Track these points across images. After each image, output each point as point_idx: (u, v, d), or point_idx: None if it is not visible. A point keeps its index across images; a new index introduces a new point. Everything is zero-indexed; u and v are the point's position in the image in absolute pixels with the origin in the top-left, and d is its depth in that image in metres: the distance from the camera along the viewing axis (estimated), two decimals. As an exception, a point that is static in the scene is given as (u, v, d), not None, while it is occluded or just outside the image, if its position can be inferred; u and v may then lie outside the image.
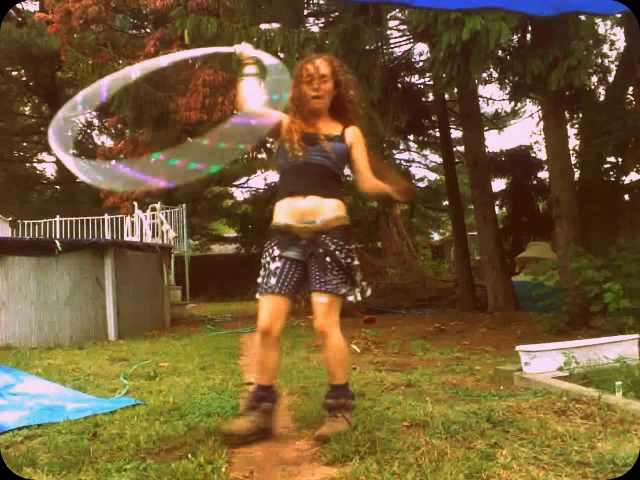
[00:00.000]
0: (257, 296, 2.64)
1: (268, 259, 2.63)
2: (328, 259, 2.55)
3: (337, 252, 2.57)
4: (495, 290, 9.48)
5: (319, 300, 2.55)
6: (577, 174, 8.20)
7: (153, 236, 11.02)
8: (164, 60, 2.84)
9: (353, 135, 2.68)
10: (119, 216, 12.24)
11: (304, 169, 2.57)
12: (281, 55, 7.15)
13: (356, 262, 2.66)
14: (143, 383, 4.11)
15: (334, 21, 9.05)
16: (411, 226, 20.31)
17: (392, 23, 10.71)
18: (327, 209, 2.58)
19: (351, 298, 2.63)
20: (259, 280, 2.66)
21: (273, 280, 2.58)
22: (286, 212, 2.61)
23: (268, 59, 2.72)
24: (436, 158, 17.70)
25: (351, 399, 2.64)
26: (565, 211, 7.19)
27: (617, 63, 9.86)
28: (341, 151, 2.63)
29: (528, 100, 11.64)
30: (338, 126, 2.68)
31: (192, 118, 10.18)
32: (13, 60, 17.68)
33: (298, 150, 2.57)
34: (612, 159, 8.08)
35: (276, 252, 2.61)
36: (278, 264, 2.59)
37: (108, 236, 11.90)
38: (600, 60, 10.22)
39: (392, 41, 10.60)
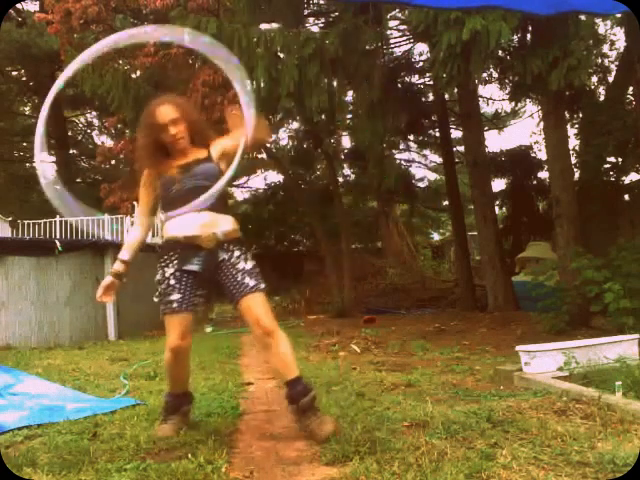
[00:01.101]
0: (162, 315, 2.65)
1: (167, 275, 2.64)
2: (240, 265, 2.63)
3: (244, 258, 2.66)
4: (495, 290, 9.48)
5: (254, 301, 2.58)
6: (577, 174, 8.20)
7: (153, 236, 11.02)
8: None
9: (215, 147, 2.77)
10: (119, 216, 12.22)
11: (190, 194, 2.57)
12: (281, 55, 7.16)
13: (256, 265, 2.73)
14: (143, 383, 4.11)
15: (334, 21, 9.05)
16: (411, 226, 20.31)
17: (392, 23, 10.71)
18: (223, 222, 2.67)
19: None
20: (157, 299, 2.68)
21: (175, 297, 2.60)
22: (183, 224, 2.63)
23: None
24: (436, 158, 17.69)
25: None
26: (565, 211, 7.19)
27: (617, 63, 9.86)
28: (212, 170, 2.70)
29: (528, 100, 11.62)
30: (204, 150, 2.77)
31: (192, 118, 10.18)
32: (13, 60, 17.66)
33: (178, 181, 2.66)
34: (612, 159, 8.09)
35: (174, 267, 2.63)
36: (177, 279, 2.62)
37: (108, 236, 11.90)
38: (600, 60, 10.22)
39: (392, 41, 10.60)
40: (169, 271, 2.63)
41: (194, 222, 2.61)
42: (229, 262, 2.63)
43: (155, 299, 2.71)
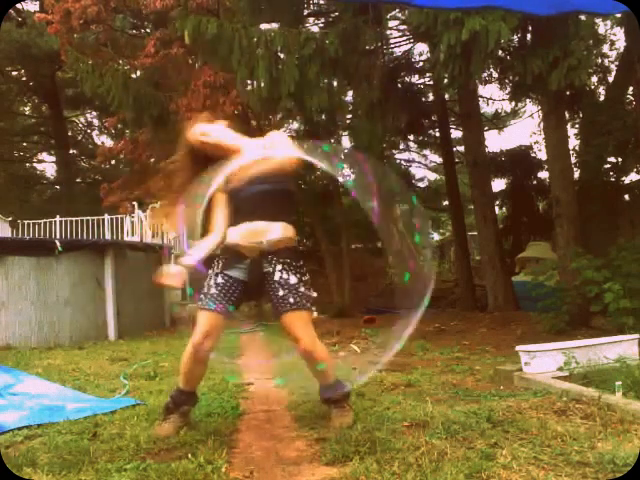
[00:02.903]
0: (197, 308, 2.66)
1: (212, 275, 2.69)
2: (283, 279, 2.61)
3: (290, 271, 2.64)
4: (495, 290, 9.47)
5: (293, 320, 2.59)
6: (577, 174, 8.20)
7: (153, 236, 11.02)
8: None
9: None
10: (119, 216, 12.23)
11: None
12: (281, 55, 7.16)
13: (306, 277, 2.71)
14: (143, 383, 4.11)
15: (334, 21, 9.05)
16: (411, 226, 20.27)
17: (392, 23, 10.71)
18: (273, 230, 2.65)
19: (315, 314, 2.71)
20: (201, 295, 2.69)
21: (212, 295, 2.62)
22: (236, 232, 2.67)
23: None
24: (436, 158, 17.68)
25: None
26: (565, 211, 7.18)
27: (617, 63, 9.86)
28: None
29: (528, 100, 11.62)
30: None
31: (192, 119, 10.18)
32: (13, 60, 17.68)
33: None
34: (612, 159, 8.09)
35: (219, 269, 2.68)
36: (220, 281, 2.64)
37: (108, 236, 11.90)
38: (600, 60, 10.21)
39: (392, 41, 10.60)
40: (215, 272, 2.68)
41: (243, 230, 2.63)
42: (273, 274, 2.61)
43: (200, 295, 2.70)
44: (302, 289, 2.63)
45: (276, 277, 2.61)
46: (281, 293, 2.59)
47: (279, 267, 2.62)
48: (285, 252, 2.66)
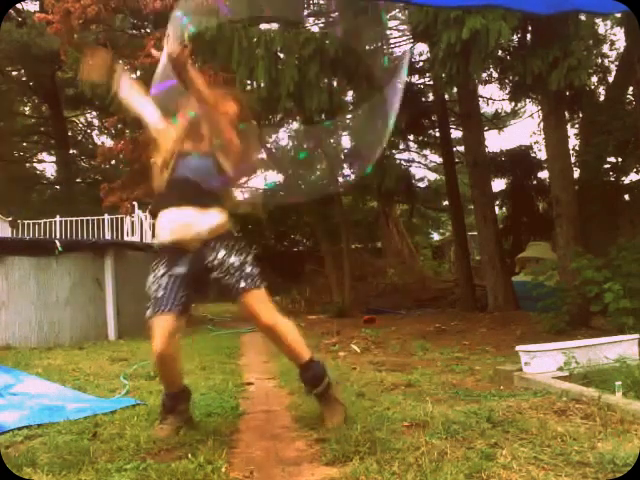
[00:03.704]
0: (148, 316, 2.60)
1: (154, 278, 2.63)
2: (229, 262, 2.58)
3: (234, 253, 2.62)
4: (495, 290, 9.48)
5: (250, 300, 2.57)
6: (577, 174, 8.21)
7: (153, 236, 11.00)
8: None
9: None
10: (119, 216, 12.23)
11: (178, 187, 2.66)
12: (281, 55, 7.16)
13: (250, 256, 2.69)
14: (143, 383, 4.10)
15: (334, 21, 9.05)
16: (411, 226, 20.30)
17: (392, 23, 10.70)
18: (208, 218, 2.62)
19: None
20: (150, 302, 2.64)
21: (159, 298, 2.57)
22: (168, 226, 2.65)
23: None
24: (436, 158, 17.68)
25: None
26: (565, 211, 7.19)
27: (617, 63, 9.86)
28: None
29: (528, 100, 11.63)
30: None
31: (192, 118, 10.17)
32: (13, 60, 17.67)
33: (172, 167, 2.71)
34: (612, 159, 8.09)
35: (162, 271, 2.62)
36: (164, 282, 2.60)
37: (108, 236, 11.90)
38: (600, 60, 10.21)
39: (392, 41, 10.60)
40: (158, 273, 2.62)
41: (175, 226, 2.58)
42: (217, 261, 2.58)
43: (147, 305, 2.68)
44: (249, 269, 2.61)
45: (221, 262, 2.58)
46: (231, 279, 2.57)
47: (222, 252, 2.59)
48: (224, 236, 2.64)
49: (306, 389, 2.75)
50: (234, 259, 2.60)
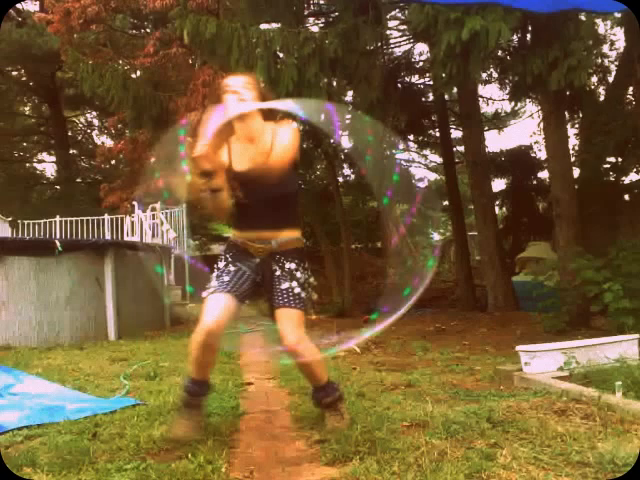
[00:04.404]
0: (205, 295, 2.58)
1: (220, 264, 2.66)
2: (286, 280, 2.59)
3: (295, 271, 2.62)
4: (495, 290, 9.47)
5: (283, 316, 2.55)
6: (577, 174, 8.21)
7: (153, 236, 11.01)
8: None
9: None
10: (119, 216, 12.23)
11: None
12: (280, 55, 7.15)
13: (311, 279, 2.71)
14: (143, 383, 4.10)
15: (334, 21, 9.04)
16: (411, 226, 20.27)
17: (392, 23, 10.70)
18: (282, 231, 2.63)
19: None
20: (210, 283, 2.63)
21: (222, 280, 2.58)
22: (245, 226, 2.66)
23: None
24: (436, 158, 17.68)
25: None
26: (565, 211, 7.18)
27: (617, 63, 9.87)
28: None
29: (528, 100, 11.64)
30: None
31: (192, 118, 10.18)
32: (13, 60, 17.66)
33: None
34: (612, 159, 8.09)
35: (228, 260, 2.65)
36: (232, 269, 2.61)
37: (108, 236, 11.90)
38: (600, 60, 10.22)
39: (392, 41, 10.60)
40: (225, 262, 2.64)
41: (254, 227, 2.59)
42: (280, 271, 2.60)
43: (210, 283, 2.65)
44: (302, 291, 2.60)
45: (282, 273, 2.59)
46: (282, 287, 2.57)
47: (287, 265, 2.60)
48: (293, 252, 2.64)
49: (314, 402, 2.75)
50: (296, 274, 2.61)
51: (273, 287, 2.60)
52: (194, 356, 2.54)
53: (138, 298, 8.54)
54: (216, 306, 2.50)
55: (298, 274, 2.62)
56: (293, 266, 2.62)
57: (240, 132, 2.60)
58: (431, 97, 11.92)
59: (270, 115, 2.64)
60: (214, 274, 2.65)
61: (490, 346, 5.64)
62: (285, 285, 2.58)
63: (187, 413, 2.58)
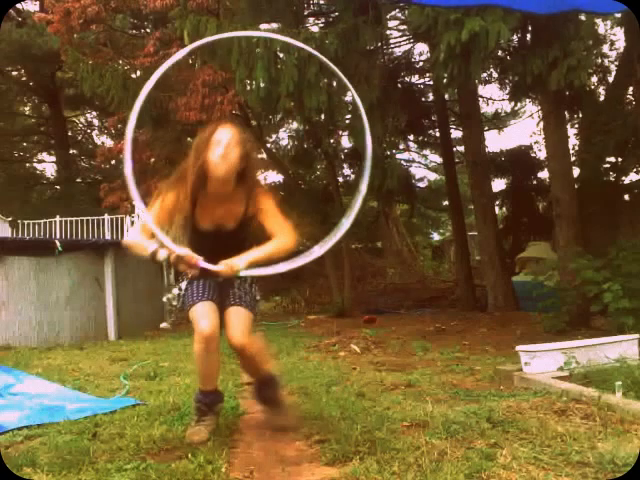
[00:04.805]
0: (188, 309, 2.58)
1: (187, 282, 2.66)
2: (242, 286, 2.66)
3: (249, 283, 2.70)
4: (495, 290, 9.48)
5: (233, 313, 2.58)
6: (577, 174, 8.21)
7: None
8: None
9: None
10: (119, 216, 12.23)
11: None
12: (281, 55, 7.15)
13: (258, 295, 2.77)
14: (143, 383, 4.11)
15: (334, 21, 9.05)
16: (411, 226, 20.29)
17: (392, 23, 10.72)
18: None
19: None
20: (183, 300, 2.65)
21: (197, 291, 2.60)
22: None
23: None
24: (436, 158, 17.70)
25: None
26: (565, 211, 7.19)
27: (617, 63, 9.86)
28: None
29: (528, 100, 11.64)
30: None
31: (191, 118, 10.18)
32: (13, 60, 17.66)
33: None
34: (612, 159, 8.09)
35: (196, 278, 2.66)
36: (200, 282, 2.62)
37: (108, 236, 11.90)
38: (600, 60, 10.21)
39: (392, 41, 10.61)
40: (192, 281, 2.64)
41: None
42: (237, 282, 2.64)
43: (178, 302, 2.68)
44: (248, 298, 2.65)
45: (237, 282, 2.64)
46: (235, 291, 2.62)
47: (244, 278, 2.62)
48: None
49: (256, 398, 2.80)
50: (249, 284, 2.68)
51: (230, 291, 2.65)
52: (200, 368, 2.57)
53: (138, 298, 8.54)
54: (205, 312, 2.52)
55: (253, 289, 2.71)
56: (252, 279, 2.68)
57: (213, 190, 2.58)
58: (431, 97, 11.93)
59: (245, 179, 2.63)
60: (184, 293, 2.65)
61: (490, 346, 5.64)
62: (241, 289, 2.65)
63: (205, 419, 2.60)
